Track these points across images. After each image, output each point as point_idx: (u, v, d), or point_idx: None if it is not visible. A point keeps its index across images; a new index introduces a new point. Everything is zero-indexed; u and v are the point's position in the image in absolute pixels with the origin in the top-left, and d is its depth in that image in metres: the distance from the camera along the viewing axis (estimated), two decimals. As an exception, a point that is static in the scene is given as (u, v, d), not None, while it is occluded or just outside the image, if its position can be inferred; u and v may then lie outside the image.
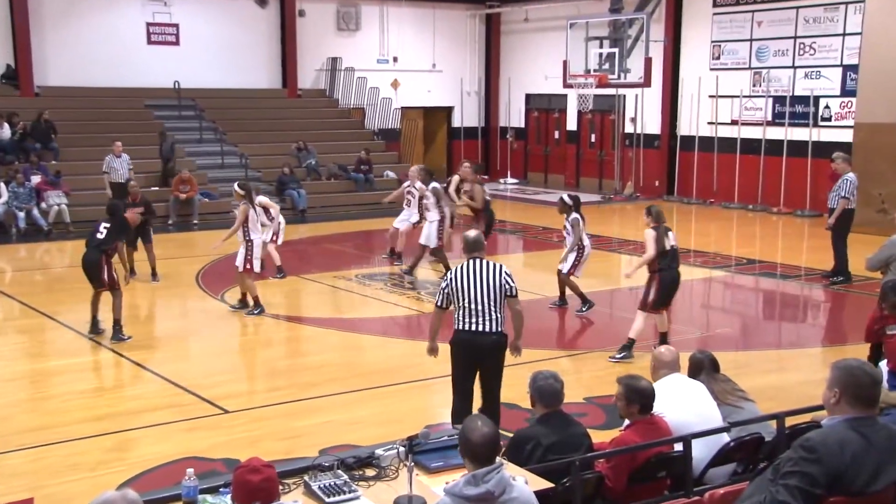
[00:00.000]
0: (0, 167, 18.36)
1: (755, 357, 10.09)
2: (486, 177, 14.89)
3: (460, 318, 6.87)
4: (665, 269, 9.59)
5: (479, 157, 28.21)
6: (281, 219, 13.68)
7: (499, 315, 6.85)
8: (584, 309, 11.71)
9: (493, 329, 6.83)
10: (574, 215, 11.56)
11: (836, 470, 3.93)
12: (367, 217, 20.05)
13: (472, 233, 7.21)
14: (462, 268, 6.92)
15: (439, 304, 7.02)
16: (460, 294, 6.84)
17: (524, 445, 5.18)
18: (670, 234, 9.70)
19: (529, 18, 26.55)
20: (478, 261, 6.93)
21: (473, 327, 6.83)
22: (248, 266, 11.45)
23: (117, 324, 10.51)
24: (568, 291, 11.92)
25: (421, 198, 13.78)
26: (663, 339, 9.68)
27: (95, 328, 10.66)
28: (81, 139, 20.24)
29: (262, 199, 13.14)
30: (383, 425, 7.49)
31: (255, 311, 11.56)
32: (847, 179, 13.21)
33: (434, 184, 13.73)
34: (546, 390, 5.33)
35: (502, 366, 7.05)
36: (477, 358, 6.97)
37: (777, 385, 8.83)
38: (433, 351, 7.23)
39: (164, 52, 22.89)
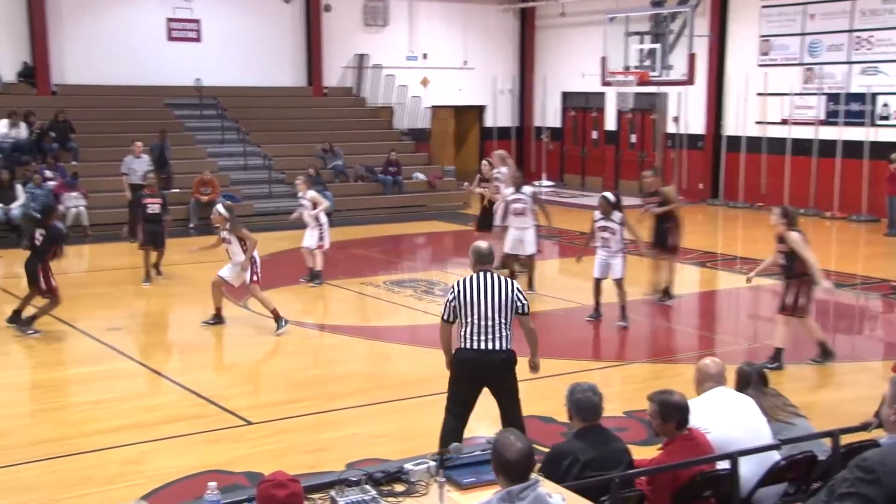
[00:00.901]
0: (17, 168, 18.58)
1: (808, 371, 9.98)
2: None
3: (467, 336, 6.68)
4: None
5: (512, 158, 28.22)
6: (324, 219, 13.87)
7: (508, 332, 6.70)
8: (594, 317, 11.79)
9: (503, 347, 6.66)
10: (620, 214, 11.41)
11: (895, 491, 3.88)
12: (395, 221, 20.11)
13: (483, 244, 7.03)
14: (471, 281, 6.73)
15: (446, 318, 6.80)
16: (468, 309, 6.64)
17: (561, 461, 5.15)
18: None
19: (566, 13, 26.51)
20: (487, 274, 6.76)
21: (482, 345, 6.64)
22: (254, 279, 11.38)
23: (34, 318, 11.10)
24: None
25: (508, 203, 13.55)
26: (824, 348, 9.88)
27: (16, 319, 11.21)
28: (99, 139, 20.47)
29: (312, 193, 13.74)
30: (412, 439, 7.48)
31: (282, 325, 11.25)
32: None
33: (529, 188, 13.46)
34: (584, 403, 5.29)
35: (516, 384, 6.88)
36: (484, 378, 6.79)
37: (831, 401, 8.74)
38: (451, 365, 7.02)
39: (185, 49, 23.10)
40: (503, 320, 6.66)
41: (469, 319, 6.66)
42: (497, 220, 14.09)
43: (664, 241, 12.76)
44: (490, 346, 6.64)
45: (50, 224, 11.39)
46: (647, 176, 13.53)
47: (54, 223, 11.53)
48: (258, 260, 11.50)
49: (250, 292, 11.62)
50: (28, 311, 11.26)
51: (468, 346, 6.68)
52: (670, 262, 12.97)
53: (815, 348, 9.98)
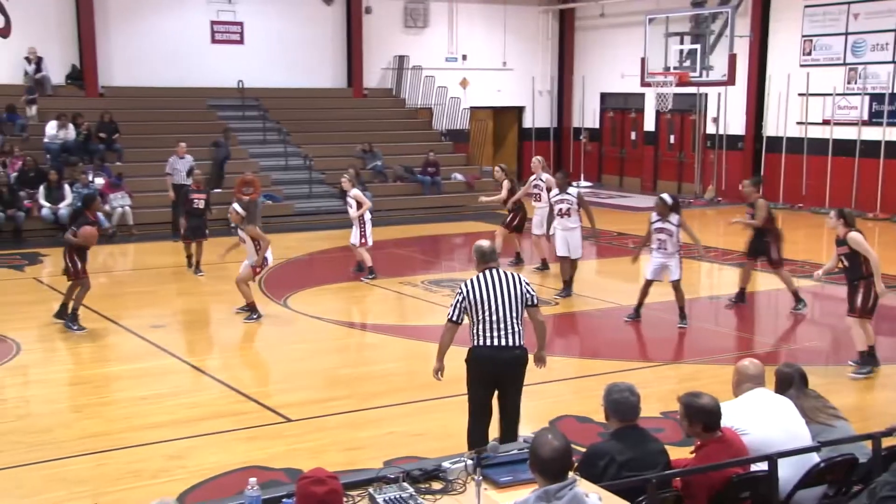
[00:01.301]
0: (65, 168, 18.83)
1: (846, 372, 9.86)
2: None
3: (480, 333, 6.69)
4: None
5: (550, 159, 28.17)
6: (368, 216, 14.16)
7: (520, 328, 6.72)
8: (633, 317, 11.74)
9: (516, 343, 6.69)
10: (677, 216, 11.28)
11: (937, 494, 3.84)
12: (434, 221, 20.13)
13: (485, 243, 7.03)
14: (479, 280, 6.75)
15: (454, 318, 6.78)
16: (480, 307, 6.65)
17: (598, 461, 5.13)
18: None
19: (606, 14, 26.40)
20: (494, 271, 6.78)
21: (496, 342, 6.65)
22: (257, 269, 11.91)
23: (75, 312, 11.30)
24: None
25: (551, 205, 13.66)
26: (872, 351, 9.66)
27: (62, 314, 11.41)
28: (144, 140, 20.69)
29: (356, 191, 14.11)
30: (449, 437, 7.49)
31: (255, 317, 11.81)
32: None
33: (574, 189, 13.35)
34: (621, 404, 5.27)
35: (523, 380, 6.90)
36: (498, 374, 6.80)
37: (872, 403, 8.63)
38: (439, 371, 6.99)
39: (229, 52, 23.30)
40: (515, 315, 6.68)
41: (481, 317, 6.67)
42: (538, 226, 14.28)
43: (763, 253, 12.50)
44: (505, 343, 6.67)
45: (89, 215, 11.55)
46: (745, 185, 13.03)
47: (97, 215, 11.71)
48: (269, 260, 11.91)
49: (242, 273, 11.90)
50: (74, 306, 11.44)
51: (483, 343, 6.69)
52: (781, 273, 12.63)
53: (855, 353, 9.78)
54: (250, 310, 11.84)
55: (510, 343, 6.67)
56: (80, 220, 11.47)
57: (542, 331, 7.04)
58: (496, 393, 6.90)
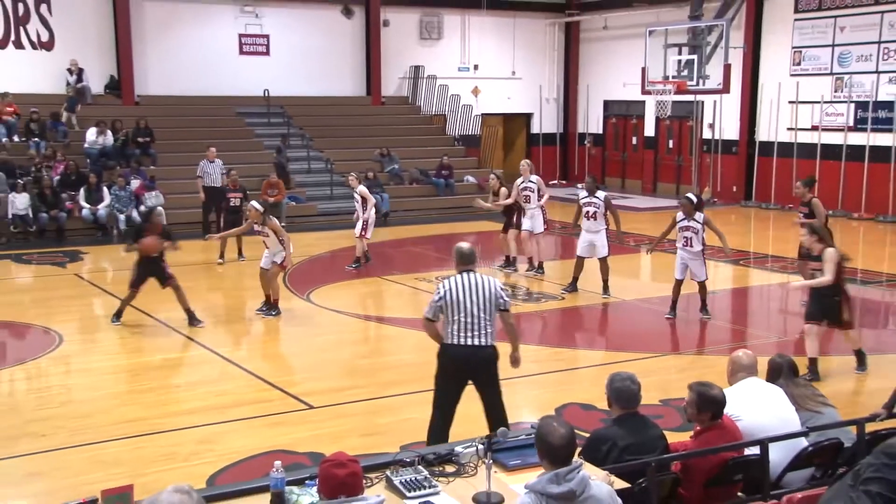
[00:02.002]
0: (103, 172, 18.91)
1: (835, 362, 9.82)
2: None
3: (454, 333, 6.57)
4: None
5: (556, 163, 28.14)
6: (372, 213, 14.37)
7: (492, 328, 6.61)
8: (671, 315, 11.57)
9: (488, 342, 6.59)
10: (702, 214, 11.10)
11: (919, 477, 3.83)
12: (447, 221, 20.13)
13: (464, 245, 6.89)
14: (455, 281, 6.63)
15: (430, 317, 6.69)
16: (455, 307, 6.54)
17: (601, 446, 5.14)
18: None
19: (608, 26, 26.35)
20: (471, 274, 6.67)
21: (469, 341, 6.54)
22: (283, 263, 11.75)
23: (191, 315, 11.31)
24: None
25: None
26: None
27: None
28: (177, 145, 20.78)
29: (362, 188, 14.38)
30: (461, 423, 7.46)
31: (273, 313, 11.74)
32: None
33: (602, 192, 13.05)
34: (623, 392, 5.27)
35: (498, 377, 6.80)
36: (470, 373, 6.70)
37: (857, 391, 8.60)
38: (438, 359, 6.84)
39: (255, 62, 23.36)
40: (487, 317, 6.58)
41: (455, 317, 6.56)
42: (528, 225, 14.09)
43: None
44: (477, 342, 6.56)
45: (151, 228, 11.42)
46: (797, 187, 12.72)
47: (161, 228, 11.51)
48: (291, 250, 11.83)
49: (270, 272, 11.76)
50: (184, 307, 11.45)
51: (456, 342, 6.59)
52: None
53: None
54: (273, 306, 11.78)
55: (482, 343, 6.57)
56: (141, 235, 11.39)
57: (514, 333, 6.95)
58: (479, 393, 6.78)
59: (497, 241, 14.73)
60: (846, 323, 9.20)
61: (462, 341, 6.58)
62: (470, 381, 6.77)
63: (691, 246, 11.11)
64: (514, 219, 14.45)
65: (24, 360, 10.09)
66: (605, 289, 12.86)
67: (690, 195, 11.38)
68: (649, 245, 13.07)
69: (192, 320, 11.27)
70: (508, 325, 6.87)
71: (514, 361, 7.00)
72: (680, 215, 11.22)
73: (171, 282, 11.29)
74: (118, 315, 11.38)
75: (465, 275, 6.69)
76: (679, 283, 11.39)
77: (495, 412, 6.80)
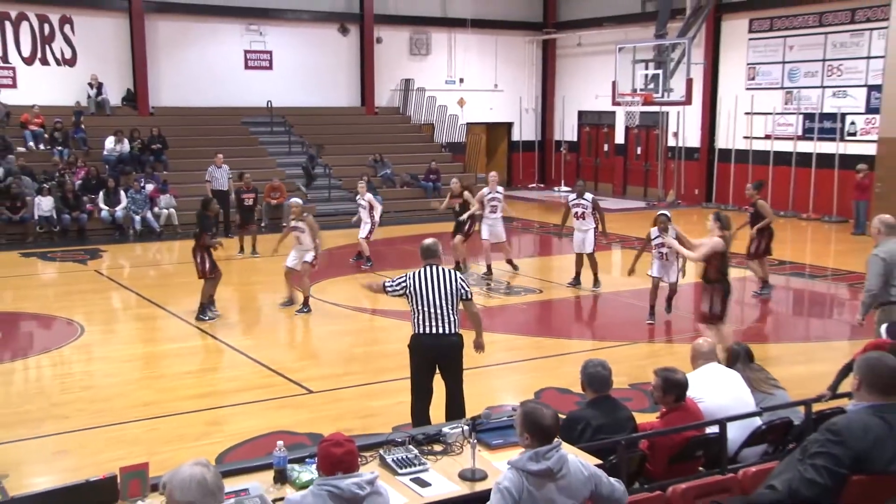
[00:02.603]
0: (121, 177, 18.84)
1: (786, 349, 9.90)
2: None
3: (420, 323, 6.56)
4: (725, 280, 8.95)
5: (535, 168, 28.15)
6: (377, 218, 14.56)
7: (456, 317, 6.59)
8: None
9: (452, 331, 6.57)
10: (675, 230, 10.53)
11: (860, 452, 3.86)
12: (435, 221, 20.01)
13: (428, 241, 6.88)
14: (419, 274, 6.61)
15: (388, 289, 6.70)
16: (419, 298, 6.51)
17: (576, 426, 5.16)
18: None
19: (582, 43, 26.36)
20: (434, 267, 6.64)
21: (434, 330, 6.51)
22: (314, 262, 11.65)
23: (201, 307, 11.17)
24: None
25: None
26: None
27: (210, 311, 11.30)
28: (187, 152, 20.68)
29: (369, 196, 14.53)
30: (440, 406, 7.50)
31: (304, 310, 11.54)
32: None
33: (589, 195, 12.98)
34: (595, 377, 5.29)
35: (462, 364, 6.78)
36: (437, 359, 6.69)
37: (806, 375, 8.66)
38: (410, 350, 6.85)
39: (259, 76, 23.28)
40: (450, 307, 6.55)
41: (421, 308, 6.54)
42: (486, 234, 13.76)
43: (752, 247, 12.45)
44: (442, 331, 6.53)
45: (207, 216, 11.43)
46: (749, 189, 12.78)
47: (208, 216, 11.46)
48: (320, 247, 11.69)
49: (302, 271, 11.61)
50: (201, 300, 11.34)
51: (423, 331, 6.57)
52: (761, 263, 12.56)
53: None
54: (305, 303, 11.56)
55: (447, 331, 6.55)
56: (204, 222, 11.27)
57: (478, 321, 6.91)
58: (441, 377, 6.77)
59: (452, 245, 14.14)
60: (706, 315, 9.07)
61: (428, 330, 6.56)
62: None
63: (667, 259, 10.86)
64: (466, 227, 14.08)
65: (49, 349, 10.06)
66: (595, 281, 12.80)
67: (666, 212, 10.86)
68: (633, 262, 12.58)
69: (207, 311, 11.20)
70: (472, 314, 6.83)
71: (478, 347, 6.97)
72: (655, 231, 10.78)
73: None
74: (203, 310, 11.21)
75: (429, 268, 6.66)
76: (656, 285, 10.98)
77: (452, 398, 6.75)
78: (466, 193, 14.23)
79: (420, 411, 6.78)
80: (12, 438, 7.22)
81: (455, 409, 6.70)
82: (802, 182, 20.90)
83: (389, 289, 6.74)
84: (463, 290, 6.62)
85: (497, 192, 13.95)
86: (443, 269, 6.69)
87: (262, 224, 18.88)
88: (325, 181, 21.34)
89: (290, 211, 11.94)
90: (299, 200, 11.93)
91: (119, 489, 4.17)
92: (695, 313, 9.33)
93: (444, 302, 6.52)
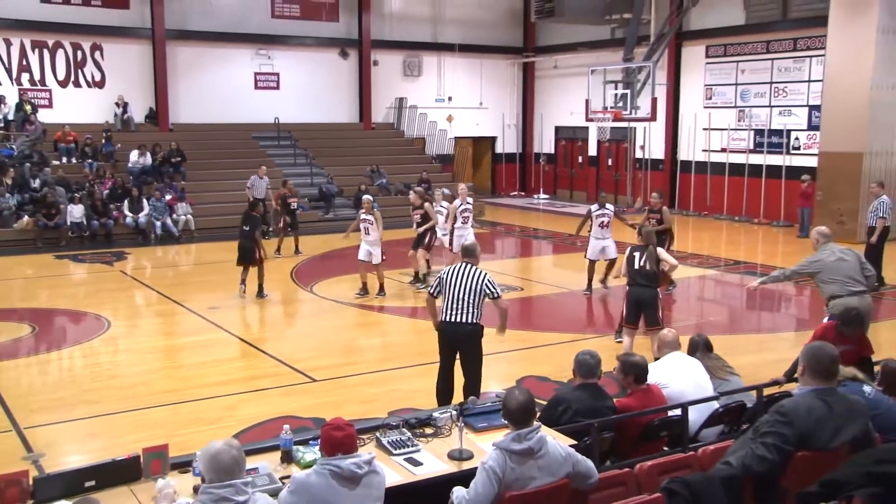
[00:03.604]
0: (143, 186, 18.78)
1: (740, 340, 9.94)
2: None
3: (446, 310, 6.75)
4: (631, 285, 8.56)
5: (516, 178, 28.16)
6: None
7: (476, 310, 6.69)
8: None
9: (469, 321, 6.68)
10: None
11: (804, 431, 3.90)
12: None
13: (468, 242, 7.09)
14: (453, 269, 6.80)
15: (432, 292, 6.96)
16: (447, 290, 6.72)
17: (557, 406, 5.14)
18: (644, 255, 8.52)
19: (558, 66, 26.41)
20: (467, 266, 6.79)
21: (454, 318, 6.68)
22: (384, 258, 12.11)
23: (261, 287, 11.67)
24: None
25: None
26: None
27: (242, 289, 11.78)
28: (203, 164, 20.61)
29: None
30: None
31: (380, 294, 12.04)
32: (882, 202, 12.22)
33: (611, 205, 12.56)
34: (584, 365, 5.28)
35: (479, 351, 6.85)
36: (455, 343, 6.83)
37: (757, 362, 8.70)
38: (438, 325, 6.98)
39: (268, 95, 23.21)
40: (472, 300, 6.67)
41: (447, 297, 6.75)
42: (457, 244, 12.35)
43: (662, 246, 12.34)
44: (461, 319, 6.69)
45: (255, 216, 11.91)
46: (654, 197, 12.75)
47: (256, 216, 11.96)
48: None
49: (378, 269, 11.98)
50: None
51: (445, 319, 6.77)
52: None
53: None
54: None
55: (465, 320, 6.68)
56: (252, 220, 11.78)
57: (504, 315, 7.02)
58: (459, 358, 6.91)
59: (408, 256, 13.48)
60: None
61: (449, 318, 6.74)
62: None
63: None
64: (427, 240, 13.12)
65: (80, 342, 10.02)
66: (604, 280, 12.50)
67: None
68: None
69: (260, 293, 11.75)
70: (500, 309, 6.96)
71: (499, 332, 7.14)
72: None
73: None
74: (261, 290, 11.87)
75: (462, 265, 6.83)
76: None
77: (468, 378, 6.90)
78: (427, 205, 13.26)
79: (442, 380, 6.97)
80: (49, 422, 7.20)
81: (469, 391, 6.79)
82: (754, 191, 20.99)
83: (432, 292, 7.00)
84: (488, 290, 6.73)
85: (468, 202, 13.23)
86: (473, 268, 6.81)
87: (270, 228, 18.85)
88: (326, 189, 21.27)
89: (360, 204, 12.35)
90: (370, 196, 12.15)
91: (142, 468, 4.16)
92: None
93: (465, 295, 6.67)
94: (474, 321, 6.72)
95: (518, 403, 4.03)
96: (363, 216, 12.03)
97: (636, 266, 8.51)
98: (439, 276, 6.86)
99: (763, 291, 13.55)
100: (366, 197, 12.41)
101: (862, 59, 16.82)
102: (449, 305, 6.71)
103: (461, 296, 6.67)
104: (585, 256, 12.40)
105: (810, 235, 8.04)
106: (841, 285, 7.30)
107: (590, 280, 12.41)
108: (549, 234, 19.53)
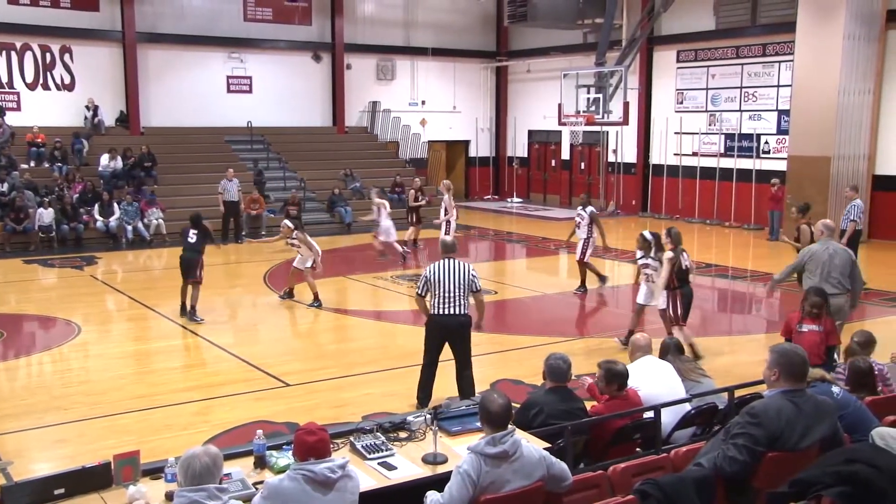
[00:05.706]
0: (114, 190, 18.56)
1: (711, 342, 10.02)
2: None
3: (436, 305, 7.09)
4: (684, 286, 8.89)
5: (490, 181, 28.23)
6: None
7: (465, 302, 7.12)
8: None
9: (461, 312, 7.10)
10: (659, 252, 9.29)
11: (775, 432, 3.94)
12: (399, 229, 19.94)
13: (448, 238, 7.36)
14: (439, 265, 7.13)
15: (420, 293, 7.22)
16: (437, 286, 7.05)
17: (530, 409, 5.16)
18: (685, 254, 8.90)
19: (531, 70, 26.52)
20: (451, 260, 7.16)
21: (446, 311, 7.05)
22: (315, 267, 11.84)
23: (193, 309, 10.97)
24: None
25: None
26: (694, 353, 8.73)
27: (184, 311, 11.04)
28: (175, 168, 20.40)
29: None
30: (413, 397, 7.49)
31: (316, 304, 11.67)
32: (855, 205, 12.37)
33: (591, 207, 12.64)
34: (555, 369, 5.33)
35: (469, 341, 7.28)
36: (447, 335, 7.19)
37: (728, 364, 8.78)
38: (426, 326, 7.38)
39: (240, 99, 23.04)
40: (461, 293, 7.09)
41: (437, 292, 7.09)
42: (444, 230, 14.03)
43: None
44: (453, 312, 7.07)
45: (205, 227, 11.44)
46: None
47: (206, 227, 11.51)
48: (320, 254, 11.85)
49: (304, 272, 11.81)
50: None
51: (438, 312, 7.10)
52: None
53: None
54: (315, 298, 11.69)
55: (457, 312, 7.09)
56: (202, 230, 11.31)
57: (482, 308, 7.38)
58: (452, 349, 7.23)
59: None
60: (668, 317, 9.07)
61: (442, 311, 7.08)
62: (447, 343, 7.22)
63: (653, 280, 9.35)
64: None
65: (49, 347, 9.88)
66: (581, 284, 12.57)
67: (646, 233, 9.62)
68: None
69: (192, 314, 11.07)
70: (478, 302, 7.30)
71: (477, 327, 7.43)
72: (639, 253, 9.68)
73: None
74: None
75: (446, 260, 7.15)
76: (641, 308, 9.68)
77: (460, 364, 7.24)
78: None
79: (426, 374, 7.27)
80: (18, 428, 7.09)
81: (464, 380, 7.15)
82: (725, 194, 21.22)
83: (419, 291, 7.25)
84: (473, 283, 7.15)
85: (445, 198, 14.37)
86: (458, 262, 7.17)
87: (244, 233, 18.73)
88: (300, 194, 21.12)
89: (281, 231, 12.18)
90: (288, 222, 12.01)
91: (113, 475, 4.11)
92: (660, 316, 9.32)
93: (455, 288, 7.06)
94: (465, 312, 7.13)
95: (499, 406, 4.02)
96: (289, 240, 11.97)
97: (685, 266, 8.91)
98: (424, 276, 7.14)
99: (734, 294, 13.72)
100: (284, 222, 12.17)
101: (829, 65, 17.10)
102: (441, 300, 7.05)
103: (452, 288, 7.04)
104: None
105: (815, 227, 8.35)
106: (819, 281, 7.42)
107: (582, 280, 12.59)
108: (522, 237, 19.57)
